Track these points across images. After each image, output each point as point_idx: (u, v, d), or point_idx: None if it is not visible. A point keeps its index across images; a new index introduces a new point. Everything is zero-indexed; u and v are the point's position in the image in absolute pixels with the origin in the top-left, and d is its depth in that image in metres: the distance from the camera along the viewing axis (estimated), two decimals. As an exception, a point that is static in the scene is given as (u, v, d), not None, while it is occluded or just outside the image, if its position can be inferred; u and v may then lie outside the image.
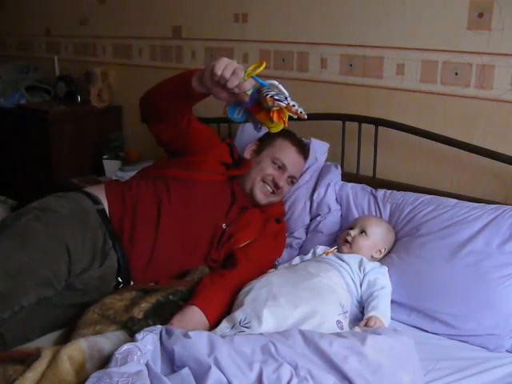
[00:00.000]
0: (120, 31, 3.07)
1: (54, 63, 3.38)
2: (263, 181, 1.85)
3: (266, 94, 1.32)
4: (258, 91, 1.36)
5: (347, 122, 2.12)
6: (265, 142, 1.92)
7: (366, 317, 1.44)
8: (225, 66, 1.32)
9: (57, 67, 3.37)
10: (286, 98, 1.32)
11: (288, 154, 1.88)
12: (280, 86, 1.34)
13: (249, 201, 1.86)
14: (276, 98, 1.31)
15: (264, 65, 1.34)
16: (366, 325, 1.39)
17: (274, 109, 1.34)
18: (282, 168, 1.86)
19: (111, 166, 2.89)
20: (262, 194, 1.85)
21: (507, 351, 1.48)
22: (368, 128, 2.08)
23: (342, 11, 2.15)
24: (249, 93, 1.36)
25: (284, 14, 2.33)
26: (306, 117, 1.35)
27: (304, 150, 1.96)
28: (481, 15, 1.82)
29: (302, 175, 2.01)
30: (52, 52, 3.52)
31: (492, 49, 1.82)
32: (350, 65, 2.18)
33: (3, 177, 3.41)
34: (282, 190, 1.87)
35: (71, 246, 1.47)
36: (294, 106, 1.33)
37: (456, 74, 1.91)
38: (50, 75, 3.46)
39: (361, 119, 2.09)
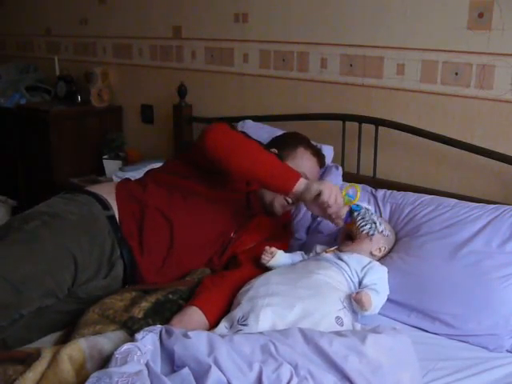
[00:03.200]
0: (120, 31, 3.08)
1: (54, 63, 3.38)
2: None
3: (362, 230, 1.56)
4: (350, 214, 1.57)
5: (347, 122, 2.12)
6: (284, 150, 1.86)
7: (359, 288, 1.46)
8: (330, 194, 1.48)
9: (57, 67, 3.37)
10: (373, 223, 1.56)
11: (309, 165, 1.86)
12: (367, 207, 1.59)
13: (261, 210, 1.84)
14: (371, 233, 1.56)
15: (359, 192, 1.57)
16: (355, 295, 1.41)
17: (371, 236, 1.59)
18: None
19: (111, 166, 2.89)
20: (281, 208, 1.82)
21: (507, 351, 1.48)
22: (368, 128, 2.08)
23: (342, 11, 2.15)
24: (343, 217, 1.57)
25: (284, 14, 2.33)
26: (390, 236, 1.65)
27: (322, 160, 1.96)
28: (481, 15, 1.82)
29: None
30: (52, 52, 3.52)
31: (492, 49, 1.82)
32: (350, 65, 2.18)
33: (3, 177, 3.41)
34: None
35: (78, 256, 1.45)
36: (382, 231, 1.59)
37: (456, 74, 1.91)
38: (50, 75, 3.46)
39: (361, 119, 2.09)
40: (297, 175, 1.54)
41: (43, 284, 1.39)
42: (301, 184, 1.51)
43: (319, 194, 1.48)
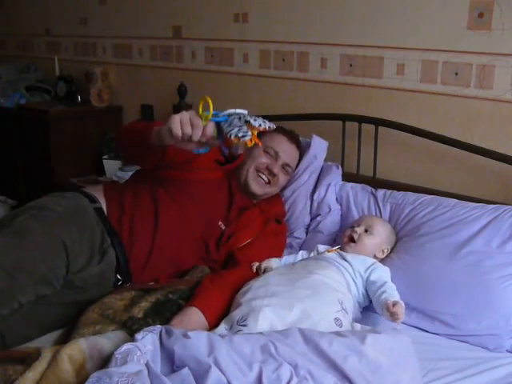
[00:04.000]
0: (120, 31, 3.08)
1: (54, 63, 3.38)
2: (257, 170, 1.83)
3: (230, 135, 1.29)
4: (219, 129, 1.34)
5: (347, 122, 2.12)
6: None
7: (390, 301, 1.40)
8: (180, 123, 1.30)
9: (57, 67, 3.37)
10: (246, 122, 1.31)
11: (279, 141, 1.88)
12: (237, 110, 1.33)
13: (247, 200, 1.85)
14: (240, 135, 1.29)
15: (210, 100, 1.32)
16: (393, 307, 1.37)
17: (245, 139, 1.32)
18: (274, 156, 1.86)
19: (111, 166, 2.89)
20: (256, 185, 1.83)
21: (507, 351, 1.48)
22: (368, 128, 2.08)
23: (342, 11, 2.15)
24: (214, 134, 1.34)
25: (284, 14, 2.33)
26: (274, 127, 1.36)
27: (295, 139, 1.96)
28: (481, 15, 1.82)
29: (301, 174, 2.01)
30: (52, 52, 3.52)
31: (492, 49, 1.82)
32: (350, 65, 2.18)
33: (3, 177, 3.41)
34: (277, 178, 1.86)
35: (68, 242, 1.48)
36: (259, 125, 1.31)
37: (456, 74, 1.92)
38: (50, 75, 3.46)
39: (361, 119, 2.09)
40: (152, 126, 1.47)
41: (36, 270, 1.41)
42: (155, 130, 1.43)
43: (170, 131, 1.32)
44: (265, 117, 2.33)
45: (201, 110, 1.33)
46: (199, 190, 1.75)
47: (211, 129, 1.32)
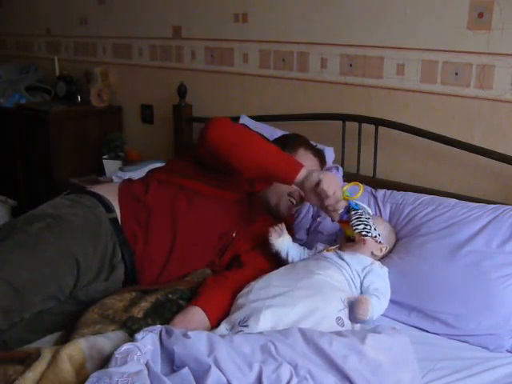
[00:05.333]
0: (120, 31, 3.08)
1: (54, 63, 3.38)
2: (288, 195, 1.81)
3: (355, 228, 1.51)
4: (348, 211, 1.52)
5: (347, 122, 2.12)
6: (284, 151, 1.82)
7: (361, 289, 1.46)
8: (329, 184, 1.44)
9: (57, 67, 3.38)
10: (368, 225, 1.52)
11: (311, 166, 1.80)
12: (367, 208, 1.55)
13: (264, 212, 1.83)
14: (363, 233, 1.51)
15: (362, 191, 1.53)
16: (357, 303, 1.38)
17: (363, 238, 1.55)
18: None
19: (111, 166, 2.89)
20: (287, 209, 1.82)
21: (507, 351, 1.48)
22: (368, 128, 2.08)
23: (342, 11, 2.15)
24: (339, 212, 1.52)
25: (284, 13, 2.33)
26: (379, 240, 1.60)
27: (323, 161, 1.95)
28: (481, 15, 1.82)
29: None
30: (52, 52, 3.52)
31: (492, 49, 1.82)
32: (350, 65, 2.18)
33: (3, 177, 3.41)
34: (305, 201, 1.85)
35: (81, 260, 1.45)
36: (376, 236, 1.54)
37: (456, 74, 1.92)
38: (50, 75, 3.46)
39: (361, 119, 2.09)
40: (300, 164, 1.53)
41: (46, 289, 1.39)
42: (303, 172, 1.50)
43: (319, 183, 1.45)
44: (265, 117, 2.35)
45: (345, 188, 1.51)
46: (224, 208, 1.70)
47: (342, 206, 1.50)
